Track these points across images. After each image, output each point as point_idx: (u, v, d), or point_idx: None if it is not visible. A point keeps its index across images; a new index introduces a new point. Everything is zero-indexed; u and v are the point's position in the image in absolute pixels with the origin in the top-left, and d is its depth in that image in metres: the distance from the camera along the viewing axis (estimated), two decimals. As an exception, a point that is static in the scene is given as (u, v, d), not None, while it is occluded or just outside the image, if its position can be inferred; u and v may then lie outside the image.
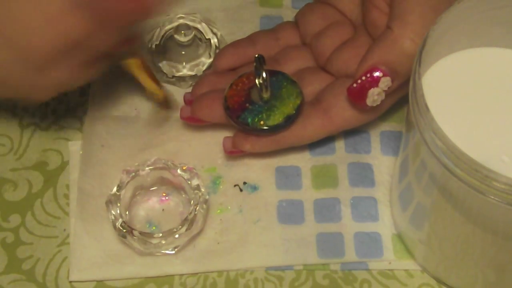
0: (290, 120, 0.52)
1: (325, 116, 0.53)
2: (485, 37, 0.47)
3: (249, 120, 0.52)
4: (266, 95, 0.52)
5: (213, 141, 0.56)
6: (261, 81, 0.51)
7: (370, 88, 0.50)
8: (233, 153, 0.54)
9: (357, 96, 0.50)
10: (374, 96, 0.50)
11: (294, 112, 0.52)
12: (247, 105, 0.53)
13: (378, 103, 0.50)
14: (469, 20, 0.45)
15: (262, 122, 0.52)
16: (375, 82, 0.50)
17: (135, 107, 0.58)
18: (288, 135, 0.53)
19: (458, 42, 0.47)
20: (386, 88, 0.50)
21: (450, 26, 0.45)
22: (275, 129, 0.52)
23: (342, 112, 0.52)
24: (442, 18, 0.43)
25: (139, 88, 0.58)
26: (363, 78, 0.50)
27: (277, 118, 0.52)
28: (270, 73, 0.53)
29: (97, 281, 0.51)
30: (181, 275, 0.52)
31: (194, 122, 0.55)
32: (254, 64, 0.52)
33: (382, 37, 0.49)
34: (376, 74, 0.49)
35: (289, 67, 0.55)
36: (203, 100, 0.54)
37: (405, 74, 0.49)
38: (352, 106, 0.52)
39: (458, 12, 0.44)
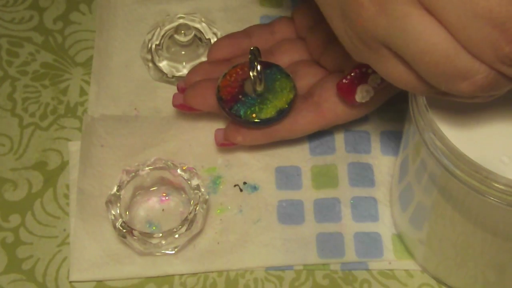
0: (282, 114, 0.52)
1: (316, 110, 0.53)
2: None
3: (242, 112, 0.52)
4: (259, 88, 0.52)
5: (213, 141, 0.56)
6: (255, 74, 0.51)
7: (359, 84, 0.50)
8: (225, 145, 0.54)
9: (346, 92, 0.50)
10: (363, 92, 0.50)
11: (286, 106, 0.52)
12: (240, 96, 0.53)
13: (367, 99, 0.51)
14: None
15: (254, 115, 0.52)
16: (365, 78, 0.50)
17: (135, 107, 0.58)
18: (280, 128, 0.53)
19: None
20: (375, 85, 0.50)
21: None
22: (267, 122, 0.52)
23: (334, 107, 0.52)
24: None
25: (139, 88, 0.59)
26: (353, 74, 0.50)
27: (269, 111, 0.52)
28: (265, 65, 0.53)
29: (97, 281, 0.51)
30: (181, 275, 0.52)
31: (186, 110, 0.55)
32: (249, 56, 0.52)
33: None
34: (365, 70, 0.49)
35: (283, 60, 0.55)
36: (196, 88, 0.54)
37: None
38: (344, 102, 0.52)
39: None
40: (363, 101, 0.51)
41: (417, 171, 0.46)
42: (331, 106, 0.53)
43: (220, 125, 0.56)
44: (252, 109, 0.53)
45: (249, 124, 0.53)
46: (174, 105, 0.55)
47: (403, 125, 0.49)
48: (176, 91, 0.56)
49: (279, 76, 0.54)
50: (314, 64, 0.55)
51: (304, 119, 0.53)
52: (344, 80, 0.50)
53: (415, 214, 0.49)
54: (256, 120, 0.52)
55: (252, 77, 0.52)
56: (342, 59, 0.53)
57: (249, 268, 0.52)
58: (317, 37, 0.55)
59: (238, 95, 0.53)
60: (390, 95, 0.54)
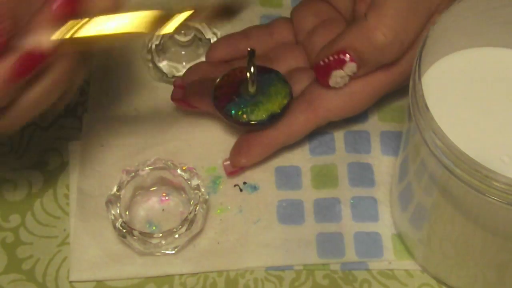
0: (274, 119, 0.52)
1: (308, 109, 0.53)
2: (485, 37, 0.47)
3: (233, 112, 0.52)
4: (252, 89, 0.52)
5: (213, 141, 0.56)
6: (248, 75, 0.52)
7: (334, 69, 0.50)
8: (235, 172, 0.54)
9: (321, 74, 0.51)
10: (337, 78, 0.51)
11: (279, 111, 0.52)
12: (234, 97, 0.53)
13: (341, 85, 0.51)
14: (469, 19, 0.45)
15: (245, 116, 0.52)
16: (341, 65, 0.50)
17: (134, 106, 0.58)
18: (277, 135, 0.53)
19: (458, 42, 0.47)
20: (350, 73, 0.50)
21: (450, 26, 0.44)
22: (256, 125, 0.52)
23: (326, 103, 0.52)
24: (442, 17, 0.43)
25: (139, 88, 0.59)
26: (330, 58, 0.50)
27: (260, 114, 0.52)
28: (265, 70, 0.53)
29: (97, 281, 0.51)
30: (181, 275, 0.52)
31: (185, 106, 0.55)
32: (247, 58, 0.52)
33: (356, 24, 0.50)
34: (343, 57, 0.50)
35: (281, 67, 0.55)
36: (194, 85, 0.54)
37: (372, 65, 0.50)
38: (336, 97, 0.52)
39: (458, 11, 0.44)
40: (337, 86, 0.51)
41: (417, 170, 0.46)
42: (322, 103, 0.53)
43: (220, 125, 0.56)
44: (244, 110, 0.53)
45: (239, 124, 0.53)
46: (173, 99, 0.55)
47: (403, 125, 0.49)
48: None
49: (275, 82, 0.54)
50: (310, 70, 0.55)
51: (297, 120, 0.53)
52: (321, 62, 0.51)
53: (415, 214, 0.49)
54: (246, 121, 0.52)
55: (248, 77, 0.52)
56: None
57: (249, 268, 0.52)
58: (314, 43, 0.55)
59: (232, 96, 0.53)
60: (383, 92, 0.53)
